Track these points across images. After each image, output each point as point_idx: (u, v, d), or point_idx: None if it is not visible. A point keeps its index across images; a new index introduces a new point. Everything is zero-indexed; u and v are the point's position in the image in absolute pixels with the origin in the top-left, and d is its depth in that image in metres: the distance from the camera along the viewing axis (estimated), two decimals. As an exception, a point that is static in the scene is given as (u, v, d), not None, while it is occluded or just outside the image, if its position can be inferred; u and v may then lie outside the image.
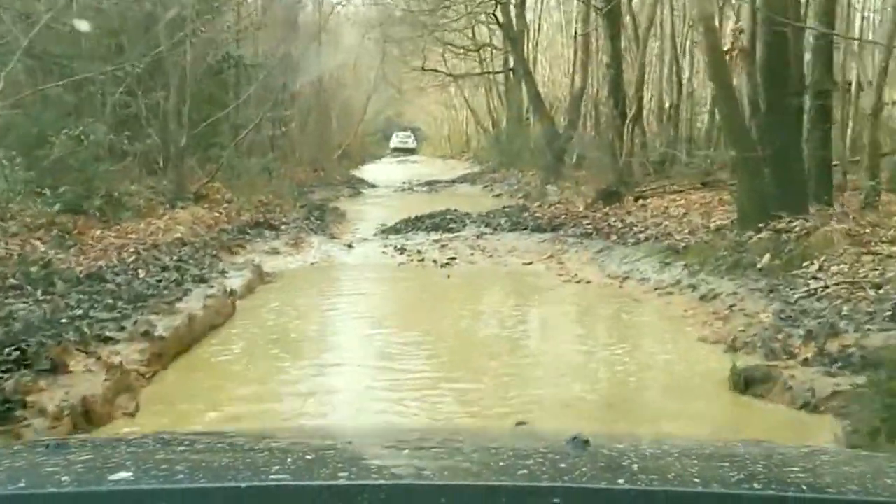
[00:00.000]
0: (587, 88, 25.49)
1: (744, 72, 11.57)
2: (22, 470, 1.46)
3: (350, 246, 14.15)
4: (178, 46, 15.67)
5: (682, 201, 14.12)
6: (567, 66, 30.48)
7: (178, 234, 12.17)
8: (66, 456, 1.49)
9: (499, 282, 11.69)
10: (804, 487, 1.38)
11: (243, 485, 1.29)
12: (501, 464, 1.52)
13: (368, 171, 37.83)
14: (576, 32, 25.23)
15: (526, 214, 16.22)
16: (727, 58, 11.49)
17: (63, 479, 1.36)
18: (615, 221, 13.47)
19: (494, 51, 36.61)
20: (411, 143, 56.75)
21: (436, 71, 35.51)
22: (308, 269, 12.24)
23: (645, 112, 20.15)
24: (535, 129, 30.25)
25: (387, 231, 15.61)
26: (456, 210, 16.94)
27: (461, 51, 36.10)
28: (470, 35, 36.60)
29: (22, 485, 1.33)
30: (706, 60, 12.23)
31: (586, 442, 1.48)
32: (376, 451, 1.66)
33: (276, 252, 13.02)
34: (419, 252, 13.21)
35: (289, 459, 1.51)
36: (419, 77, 38.17)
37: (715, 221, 11.79)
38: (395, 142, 56.61)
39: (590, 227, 13.61)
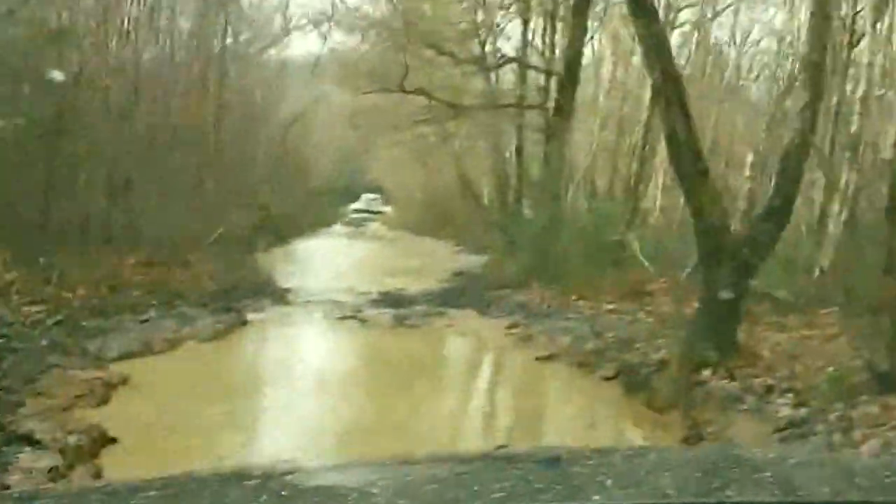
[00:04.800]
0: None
1: None
2: None
3: None
4: None
5: None
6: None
7: None
8: None
9: None
10: (776, 493, 1.41)
11: None
12: (477, 489, 1.50)
13: (298, 253, 23.55)
14: None
15: None
16: None
17: None
18: None
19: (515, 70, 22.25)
20: (376, 207, 49.04)
21: (427, 96, 20.58)
22: None
23: None
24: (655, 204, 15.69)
25: None
26: None
27: (462, 65, 21.31)
28: (478, 43, 22.09)
29: None
30: None
31: (557, 459, 1.53)
32: (352, 486, 1.62)
33: None
34: None
35: (263, 497, 1.47)
36: (388, 111, 23.46)
37: None
38: (361, 203, 48.88)
39: None
